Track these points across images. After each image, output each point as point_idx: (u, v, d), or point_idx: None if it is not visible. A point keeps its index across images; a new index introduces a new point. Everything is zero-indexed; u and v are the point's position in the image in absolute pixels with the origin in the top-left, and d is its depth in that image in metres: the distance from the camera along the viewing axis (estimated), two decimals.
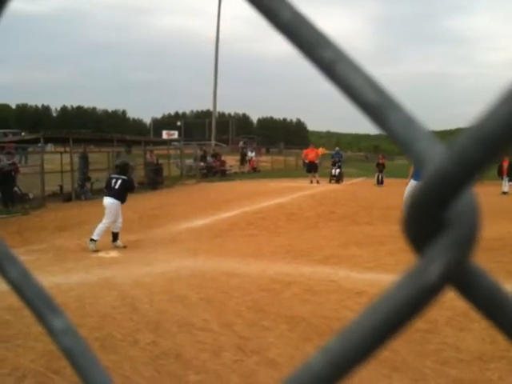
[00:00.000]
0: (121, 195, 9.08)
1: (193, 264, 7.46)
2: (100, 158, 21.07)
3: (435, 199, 0.18)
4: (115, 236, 9.16)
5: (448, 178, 0.17)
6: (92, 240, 8.69)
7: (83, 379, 0.29)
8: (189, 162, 26.96)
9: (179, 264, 7.44)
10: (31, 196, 15.59)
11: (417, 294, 0.18)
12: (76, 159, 17.87)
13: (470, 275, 0.19)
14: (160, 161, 22.76)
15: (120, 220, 9.07)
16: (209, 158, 27.79)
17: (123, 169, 9.47)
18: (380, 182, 22.32)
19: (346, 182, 23.02)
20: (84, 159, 18.08)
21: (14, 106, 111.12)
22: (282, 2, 0.22)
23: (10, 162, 15.06)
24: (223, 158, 30.44)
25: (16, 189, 15.25)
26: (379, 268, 6.85)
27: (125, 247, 9.05)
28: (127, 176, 9.41)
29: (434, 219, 0.19)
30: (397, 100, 0.21)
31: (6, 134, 31.95)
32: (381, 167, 22.91)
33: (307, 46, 0.22)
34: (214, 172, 27.25)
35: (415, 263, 0.19)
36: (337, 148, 26.58)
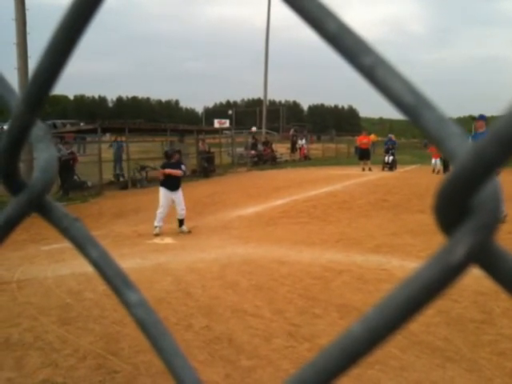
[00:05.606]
0: None
1: (244, 251, 7.56)
2: (154, 147, 21.61)
3: (461, 190, 0.21)
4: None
5: (471, 172, 0.20)
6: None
7: (155, 347, 0.33)
8: (240, 150, 27.16)
9: (231, 251, 7.56)
10: (89, 184, 16.18)
11: (444, 271, 0.21)
12: (130, 148, 18.36)
13: (494, 255, 0.22)
14: (212, 149, 23.06)
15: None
16: (259, 146, 27.87)
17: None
18: (446, 168, 19.16)
19: (400, 170, 22.55)
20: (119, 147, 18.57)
21: (71, 97, 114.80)
22: (328, 14, 0.25)
23: (68, 151, 15.68)
24: (274, 146, 30.42)
25: (75, 177, 15.89)
26: None
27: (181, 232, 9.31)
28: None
29: (461, 207, 0.21)
30: (431, 100, 0.24)
31: (64, 125, 33.26)
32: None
33: (349, 54, 0.25)
34: (264, 160, 27.31)
35: (443, 245, 0.22)
36: (390, 135, 25.93)
